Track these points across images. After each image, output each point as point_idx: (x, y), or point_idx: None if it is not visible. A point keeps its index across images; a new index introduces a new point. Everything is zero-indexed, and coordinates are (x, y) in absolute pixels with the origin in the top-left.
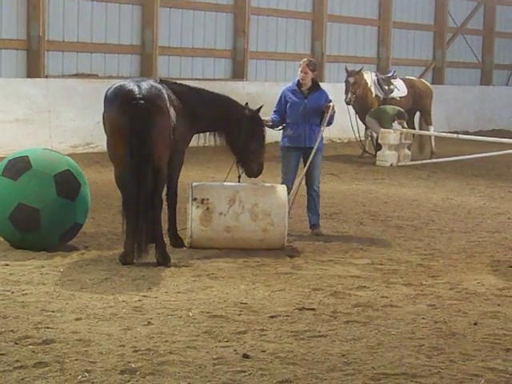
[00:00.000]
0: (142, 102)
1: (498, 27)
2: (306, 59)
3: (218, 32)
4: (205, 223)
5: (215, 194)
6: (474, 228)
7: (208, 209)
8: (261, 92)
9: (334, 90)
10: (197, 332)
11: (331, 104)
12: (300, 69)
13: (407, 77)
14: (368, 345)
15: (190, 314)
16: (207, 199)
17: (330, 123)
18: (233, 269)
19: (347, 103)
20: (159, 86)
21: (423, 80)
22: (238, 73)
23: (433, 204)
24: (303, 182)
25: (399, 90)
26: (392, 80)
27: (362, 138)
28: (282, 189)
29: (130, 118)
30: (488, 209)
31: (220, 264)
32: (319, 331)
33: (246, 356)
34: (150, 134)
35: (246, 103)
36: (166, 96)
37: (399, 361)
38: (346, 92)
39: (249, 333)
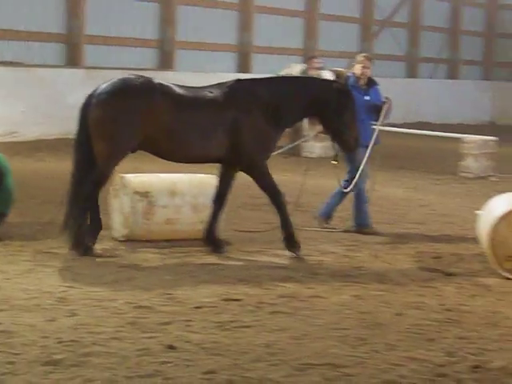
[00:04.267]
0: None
1: (424, 21)
2: (364, 54)
3: (146, 21)
4: (147, 216)
5: (156, 187)
6: (398, 219)
7: (150, 202)
8: (189, 82)
9: None
10: (121, 323)
11: (390, 99)
12: (361, 64)
13: (335, 68)
14: (293, 335)
15: (115, 305)
16: (149, 192)
17: (387, 119)
18: (158, 259)
19: None
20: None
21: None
22: (166, 63)
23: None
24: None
25: None
26: (321, 71)
27: None
28: (216, 180)
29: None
30: (413, 200)
31: (145, 255)
32: (244, 322)
33: (170, 347)
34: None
35: (335, 79)
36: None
37: (324, 351)
38: None
39: (174, 324)
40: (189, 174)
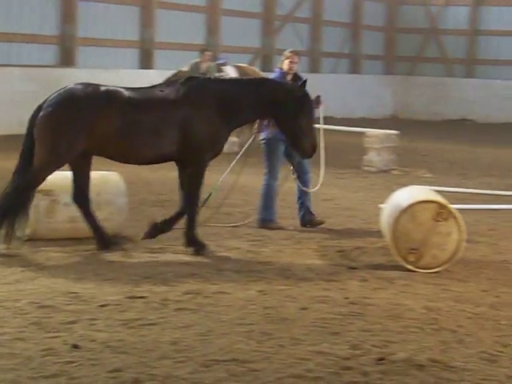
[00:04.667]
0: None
1: (326, 16)
2: (291, 49)
3: (46, 17)
4: (50, 215)
5: (58, 185)
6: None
7: (53, 200)
8: (91, 79)
9: (163, 77)
10: (25, 323)
11: (321, 98)
12: (289, 59)
13: (238, 64)
14: (199, 332)
15: (18, 305)
16: (51, 190)
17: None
18: (62, 258)
19: None
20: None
21: (254, 68)
22: (67, 59)
23: None
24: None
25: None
26: (223, 67)
27: None
28: (118, 177)
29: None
30: (316, 194)
31: (48, 254)
32: (150, 319)
33: (75, 346)
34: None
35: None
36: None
37: (229, 347)
38: None
39: (78, 323)
40: (91, 172)
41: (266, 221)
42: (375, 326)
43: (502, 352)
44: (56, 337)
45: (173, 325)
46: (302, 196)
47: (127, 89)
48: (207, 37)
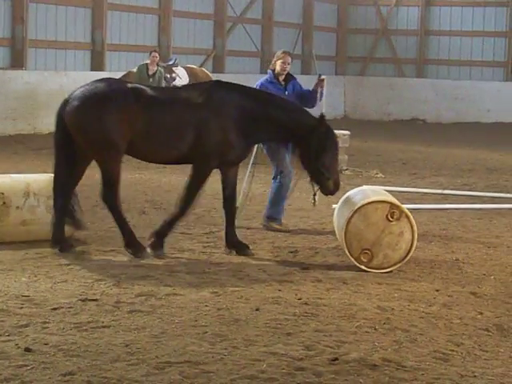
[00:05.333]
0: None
1: (277, 17)
2: (284, 50)
3: None
4: (1, 218)
5: (9, 187)
6: (255, 215)
7: (4, 203)
8: (41, 81)
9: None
10: None
11: (324, 77)
12: (281, 60)
13: (188, 65)
14: (152, 334)
15: None
16: (2, 193)
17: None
18: (13, 261)
19: None
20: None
21: (203, 69)
22: (17, 61)
23: (214, 191)
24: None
25: (181, 78)
26: (174, 68)
27: None
28: None
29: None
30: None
31: (0, 257)
32: (102, 322)
33: (27, 350)
34: None
35: (322, 114)
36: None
37: (183, 349)
38: None
39: (31, 326)
40: (43, 174)
41: (273, 219)
42: (328, 326)
43: (454, 351)
44: (8, 340)
45: (126, 327)
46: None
47: (152, 87)
48: (159, 38)
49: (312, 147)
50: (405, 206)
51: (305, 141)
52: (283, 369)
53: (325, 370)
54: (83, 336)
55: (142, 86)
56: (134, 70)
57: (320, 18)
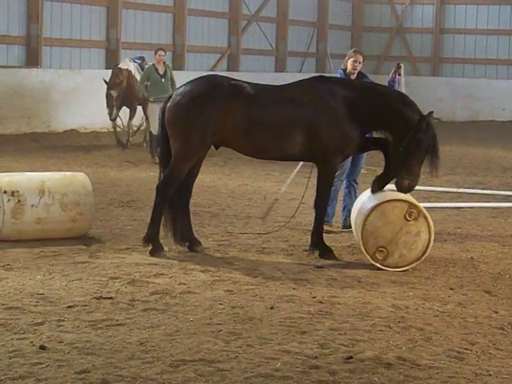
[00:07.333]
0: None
1: (292, 15)
2: (355, 49)
3: (11, 18)
4: (17, 216)
5: (24, 185)
6: (269, 213)
7: (19, 201)
8: (56, 79)
9: None
10: None
11: (402, 65)
12: (352, 59)
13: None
14: (166, 332)
15: None
16: (17, 191)
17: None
18: (29, 259)
19: (113, 119)
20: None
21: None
22: (32, 60)
23: (229, 190)
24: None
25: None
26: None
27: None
28: (85, 178)
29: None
30: (282, 194)
31: (15, 254)
32: (117, 320)
33: (42, 347)
34: None
35: (431, 111)
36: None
37: (197, 347)
38: (110, 107)
39: (46, 324)
40: (57, 173)
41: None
42: (343, 324)
43: (469, 349)
44: (23, 338)
45: (140, 325)
46: (346, 199)
47: (252, 84)
48: (174, 36)
49: (404, 142)
50: (422, 205)
51: (400, 133)
52: (297, 367)
53: (339, 368)
54: (98, 334)
55: (243, 84)
56: (124, 66)
57: (335, 16)
